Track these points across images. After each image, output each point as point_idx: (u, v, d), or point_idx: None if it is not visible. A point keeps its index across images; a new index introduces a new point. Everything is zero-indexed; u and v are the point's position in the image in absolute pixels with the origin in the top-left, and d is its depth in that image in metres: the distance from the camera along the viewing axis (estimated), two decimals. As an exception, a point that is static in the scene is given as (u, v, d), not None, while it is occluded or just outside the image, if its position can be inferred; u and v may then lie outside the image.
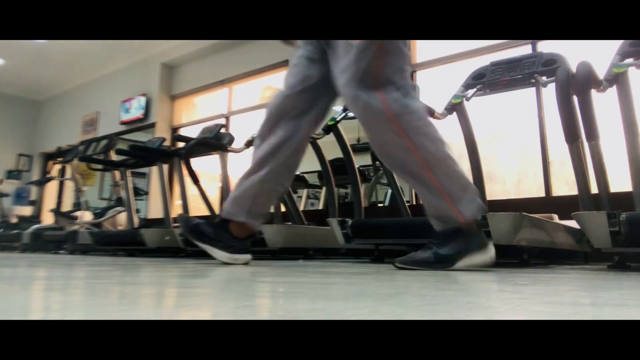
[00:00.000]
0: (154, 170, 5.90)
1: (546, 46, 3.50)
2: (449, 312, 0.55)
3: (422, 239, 1.58)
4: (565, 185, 3.39)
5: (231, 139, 3.24)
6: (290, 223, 3.04)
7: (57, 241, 4.26)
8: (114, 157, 4.24)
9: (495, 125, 3.85)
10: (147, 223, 4.83)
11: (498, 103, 3.11)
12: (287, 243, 2.65)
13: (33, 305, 0.60)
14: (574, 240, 2.13)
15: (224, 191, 3.30)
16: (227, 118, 6.11)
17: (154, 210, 6.05)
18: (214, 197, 5.09)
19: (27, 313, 0.53)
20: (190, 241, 1.71)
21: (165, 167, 3.56)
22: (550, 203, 3.21)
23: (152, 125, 6.55)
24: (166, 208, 3.45)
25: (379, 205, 4.58)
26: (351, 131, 3.73)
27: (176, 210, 4.61)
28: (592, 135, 1.70)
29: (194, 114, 6.64)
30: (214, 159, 3.33)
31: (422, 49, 4.40)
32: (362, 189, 3.04)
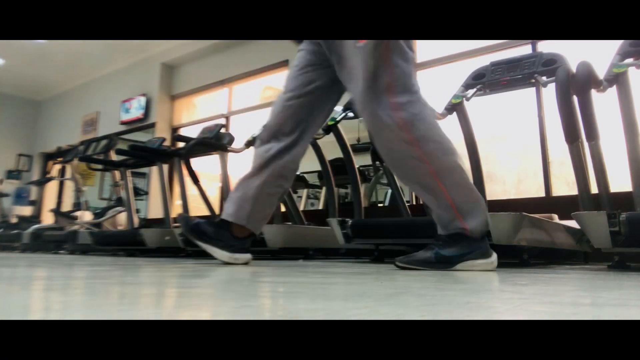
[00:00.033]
0: (154, 170, 5.90)
1: (546, 46, 3.50)
2: (449, 312, 0.55)
3: (422, 239, 1.58)
4: (565, 185, 3.39)
5: (231, 139, 3.24)
6: (290, 223, 3.04)
7: (57, 241, 4.26)
8: (114, 157, 4.24)
9: (495, 125, 3.85)
10: (147, 223, 4.83)
11: (498, 103, 3.11)
12: (287, 243, 2.65)
13: (33, 305, 0.60)
14: (574, 240, 2.13)
15: (224, 191, 3.30)
16: (227, 118, 6.11)
17: (154, 210, 6.06)
18: (214, 197, 5.09)
19: (27, 313, 0.53)
20: (191, 241, 1.71)
21: (165, 167, 3.57)
22: (550, 203, 3.21)
23: (152, 125, 6.55)
24: (166, 208, 3.45)
25: (379, 205, 4.58)
26: (351, 131, 3.73)
27: (176, 210, 4.61)
28: (592, 135, 1.70)
29: (194, 114, 6.64)
30: (214, 159, 3.33)
31: (422, 49, 4.40)
32: (362, 189, 3.04)
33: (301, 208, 3.48)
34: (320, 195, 4.68)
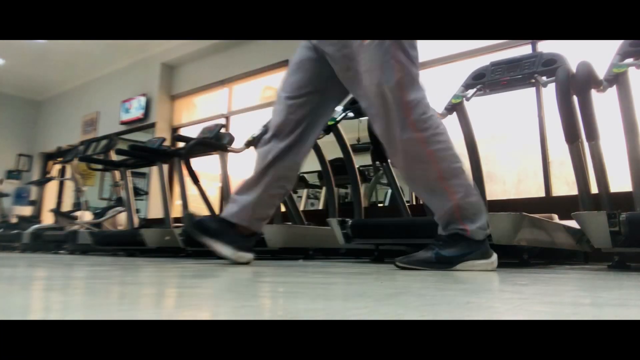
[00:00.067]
0: (154, 170, 5.90)
1: (546, 46, 3.50)
2: (449, 312, 0.55)
3: (422, 239, 1.59)
4: (565, 185, 3.39)
5: (231, 139, 3.24)
6: (290, 223, 3.04)
7: (57, 241, 4.26)
8: (114, 157, 4.24)
9: (495, 125, 3.85)
10: (147, 223, 4.83)
11: (498, 103, 3.11)
12: (287, 243, 2.65)
13: (33, 305, 0.60)
14: (574, 240, 2.13)
15: (224, 191, 3.30)
16: (227, 118, 6.11)
17: (154, 210, 6.06)
18: (214, 197, 5.09)
19: (27, 313, 0.53)
20: (194, 237, 1.70)
21: (165, 167, 3.56)
22: (550, 203, 3.21)
23: (152, 125, 6.55)
24: (166, 208, 3.45)
25: (379, 205, 4.58)
26: (351, 131, 3.73)
27: (176, 210, 4.61)
28: (592, 135, 1.70)
29: (194, 114, 6.64)
30: (214, 159, 3.33)
31: (422, 49, 4.39)
32: (362, 189, 3.04)
33: (301, 208, 3.48)
34: (320, 195, 4.68)
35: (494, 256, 1.48)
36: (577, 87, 1.69)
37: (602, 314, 0.55)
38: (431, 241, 1.48)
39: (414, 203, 3.55)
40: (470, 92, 2.14)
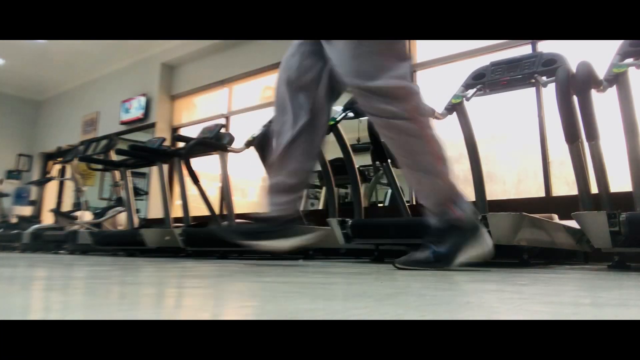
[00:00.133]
0: (154, 170, 5.90)
1: (546, 46, 3.50)
2: (449, 312, 0.55)
3: (423, 239, 1.58)
4: (565, 185, 3.39)
5: (231, 139, 3.24)
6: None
7: (57, 241, 4.26)
8: (114, 157, 4.24)
9: (495, 125, 3.85)
10: (147, 223, 4.83)
11: (498, 103, 3.11)
12: (287, 243, 2.64)
13: (33, 305, 0.60)
14: (574, 240, 2.13)
15: (224, 191, 3.30)
16: (227, 118, 6.11)
17: (154, 210, 6.06)
18: (214, 197, 5.09)
19: (27, 313, 0.53)
20: (243, 245, 1.73)
21: (165, 167, 3.56)
22: (550, 203, 3.21)
23: (152, 125, 6.55)
24: (166, 208, 3.45)
25: (379, 205, 4.58)
26: (351, 131, 3.73)
27: (176, 210, 4.61)
28: (592, 135, 1.70)
29: (194, 114, 6.64)
30: (214, 159, 3.33)
31: (422, 49, 4.40)
32: (362, 189, 3.04)
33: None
34: (320, 195, 4.68)
35: (485, 233, 1.48)
36: (577, 87, 1.69)
37: (602, 314, 0.55)
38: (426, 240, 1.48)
39: (414, 203, 3.55)
40: (470, 92, 2.14)
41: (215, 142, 3.16)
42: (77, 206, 4.91)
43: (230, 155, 3.27)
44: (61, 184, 7.32)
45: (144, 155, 3.61)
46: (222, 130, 3.28)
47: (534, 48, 3.68)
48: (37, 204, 6.89)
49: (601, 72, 1.73)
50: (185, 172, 3.36)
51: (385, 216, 3.22)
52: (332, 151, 2.94)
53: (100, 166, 4.61)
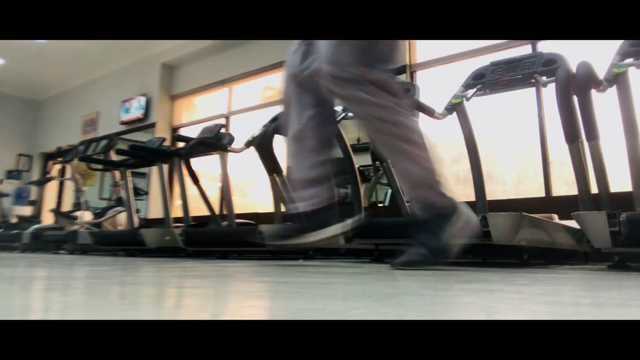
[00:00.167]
0: (154, 170, 5.90)
1: (546, 46, 3.50)
2: (449, 312, 0.55)
3: (412, 234, 1.59)
4: (565, 185, 3.39)
5: (231, 139, 3.24)
6: (290, 223, 3.03)
7: (57, 241, 4.26)
8: (114, 157, 4.24)
9: (495, 125, 3.86)
10: (147, 223, 4.83)
11: (498, 103, 3.11)
12: (287, 243, 2.64)
13: (33, 305, 0.60)
14: (574, 240, 2.13)
15: (224, 191, 3.30)
16: (227, 118, 6.11)
17: (154, 210, 6.06)
18: (214, 197, 5.09)
19: (27, 313, 0.53)
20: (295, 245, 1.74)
21: (165, 167, 3.56)
22: (550, 203, 3.21)
23: (152, 125, 6.55)
24: (166, 208, 3.45)
25: (379, 205, 4.58)
26: (351, 131, 3.73)
27: (176, 210, 4.61)
28: (592, 135, 1.70)
29: (194, 114, 6.64)
30: (214, 159, 3.33)
31: (422, 49, 4.40)
32: (362, 189, 3.04)
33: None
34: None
35: (468, 213, 1.47)
36: (577, 87, 1.69)
37: (602, 314, 0.55)
38: (415, 239, 1.48)
39: (414, 203, 3.54)
40: (470, 92, 2.14)
41: (215, 142, 3.16)
42: (77, 206, 4.91)
43: (230, 155, 3.27)
44: (61, 184, 7.32)
45: (144, 155, 3.61)
46: (222, 130, 3.28)
47: (534, 48, 3.68)
48: (37, 204, 6.89)
49: (601, 72, 1.73)
50: (185, 172, 3.37)
51: (385, 216, 3.22)
52: (332, 151, 2.93)
53: (100, 166, 4.61)
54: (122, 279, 1.08)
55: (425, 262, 1.41)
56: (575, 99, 1.71)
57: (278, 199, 2.99)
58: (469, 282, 1.02)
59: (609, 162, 1.77)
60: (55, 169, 6.53)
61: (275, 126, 2.77)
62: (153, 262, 2.04)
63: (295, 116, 1.66)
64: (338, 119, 2.58)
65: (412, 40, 4.36)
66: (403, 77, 4.24)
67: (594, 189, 1.78)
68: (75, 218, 4.52)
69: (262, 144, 2.82)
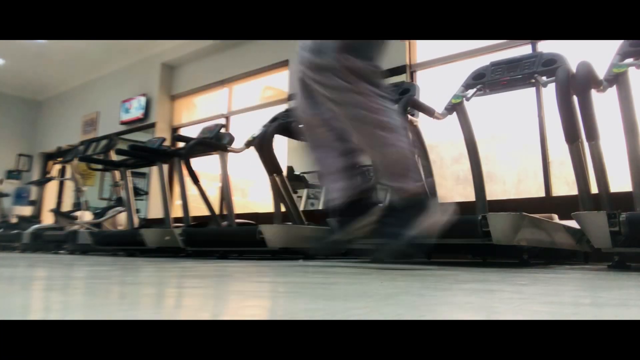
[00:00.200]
0: (154, 170, 5.90)
1: (546, 46, 3.50)
2: (449, 312, 0.55)
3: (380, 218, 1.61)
4: (565, 185, 3.39)
5: (231, 139, 3.24)
6: (290, 223, 3.04)
7: (57, 241, 4.26)
8: (114, 157, 4.24)
9: (495, 125, 3.86)
10: (147, 223, 4.83)
11: (498, 103, 3.11)
12: (287, 243, 2.64)
13: (33, 305, 0.60)
14: (574, 240, 2.13)
15: (224, 191, 3.30)
16: (227, 118, 6.11)
17: (154, 210, 6.06)
18: (214, 197, 5.09)
19: (27, 313, 0.53)
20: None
21: (165, 167, 3.56)
22: (550, 203, 3.21)
23: (152, 125, 6.55)
24: (166, 208, 3.45)
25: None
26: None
27: (176, 210, 4.61)
28: (592, 135, 1.70)
29: (194, 114, 6.64)
30: (214, 159, 3.33)
31: (422, 49, 4.40)
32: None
33: (301, 208, 3.47)
34: (320, 195, 4.67)
35: (438, 208, 1.49)
36: (577, 87, 1.69)
37: (602, 314, 0.55)
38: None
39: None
40: (470, 92, 2.14)
41: (215, 142, 3.16)
42: (77, 206, 4.91)
43: (230, 155, 3.27)
44: (61, 184, 7.32)
45: (144, 155, 3.61)
46: (222, 130, 3.28)
47: (534, 48, 3.68)
48: (37, 204, 6.89)
49: (601, 72, 1.73)
50: (185, 172, 3.37)
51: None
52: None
53: (100, 166, 4.61)
54: (122, 279, 1.08)
55: (397, 254, 1.43)
56: (575, 99, 1.71)
57: (278, 199, 2.99)
58: (469, 282, 1.02)
59: (609, 162, 1.77)
60: (55, 169, 6.53)
61: (275, 126, 2.77)
62: (153, 262, 2.04)
63: (308, 111, 1.66)
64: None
65: (412, 40, 4.36)
66: (403, 77, 4.24)
67: (594, 189, 1.78)
68: (75, 218, 4.52)
69: (262, 144, 2.82)
